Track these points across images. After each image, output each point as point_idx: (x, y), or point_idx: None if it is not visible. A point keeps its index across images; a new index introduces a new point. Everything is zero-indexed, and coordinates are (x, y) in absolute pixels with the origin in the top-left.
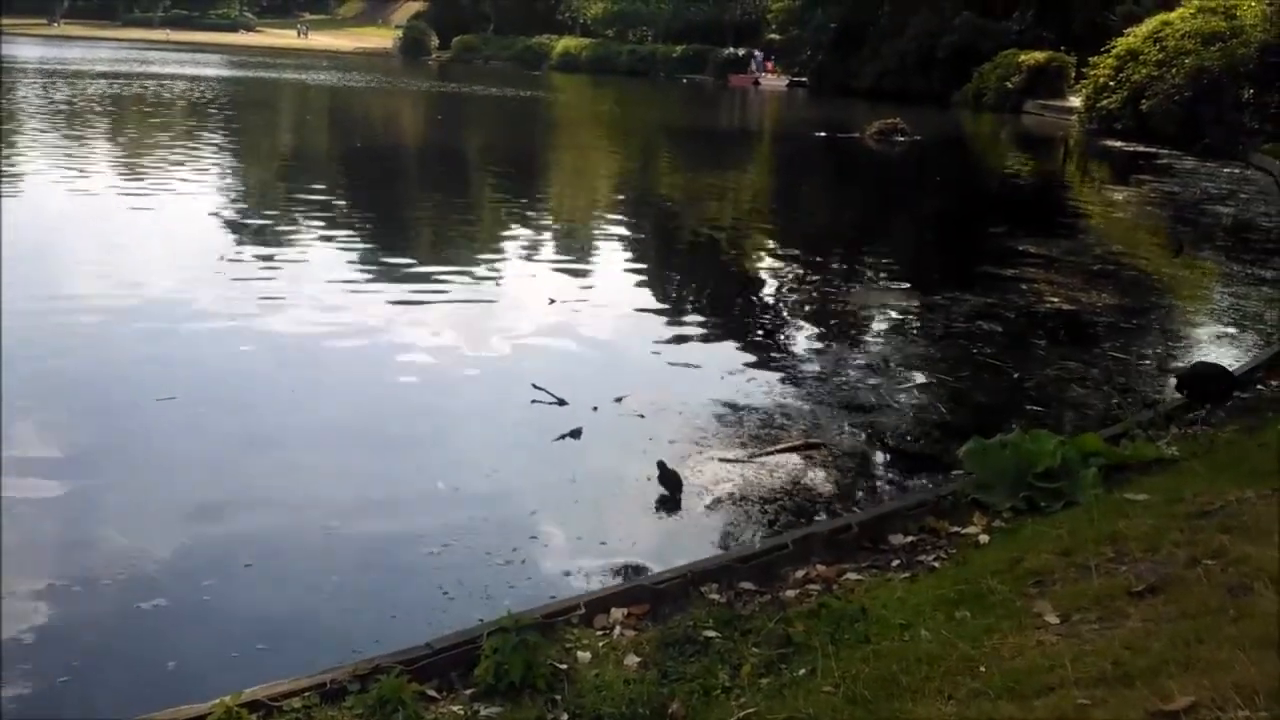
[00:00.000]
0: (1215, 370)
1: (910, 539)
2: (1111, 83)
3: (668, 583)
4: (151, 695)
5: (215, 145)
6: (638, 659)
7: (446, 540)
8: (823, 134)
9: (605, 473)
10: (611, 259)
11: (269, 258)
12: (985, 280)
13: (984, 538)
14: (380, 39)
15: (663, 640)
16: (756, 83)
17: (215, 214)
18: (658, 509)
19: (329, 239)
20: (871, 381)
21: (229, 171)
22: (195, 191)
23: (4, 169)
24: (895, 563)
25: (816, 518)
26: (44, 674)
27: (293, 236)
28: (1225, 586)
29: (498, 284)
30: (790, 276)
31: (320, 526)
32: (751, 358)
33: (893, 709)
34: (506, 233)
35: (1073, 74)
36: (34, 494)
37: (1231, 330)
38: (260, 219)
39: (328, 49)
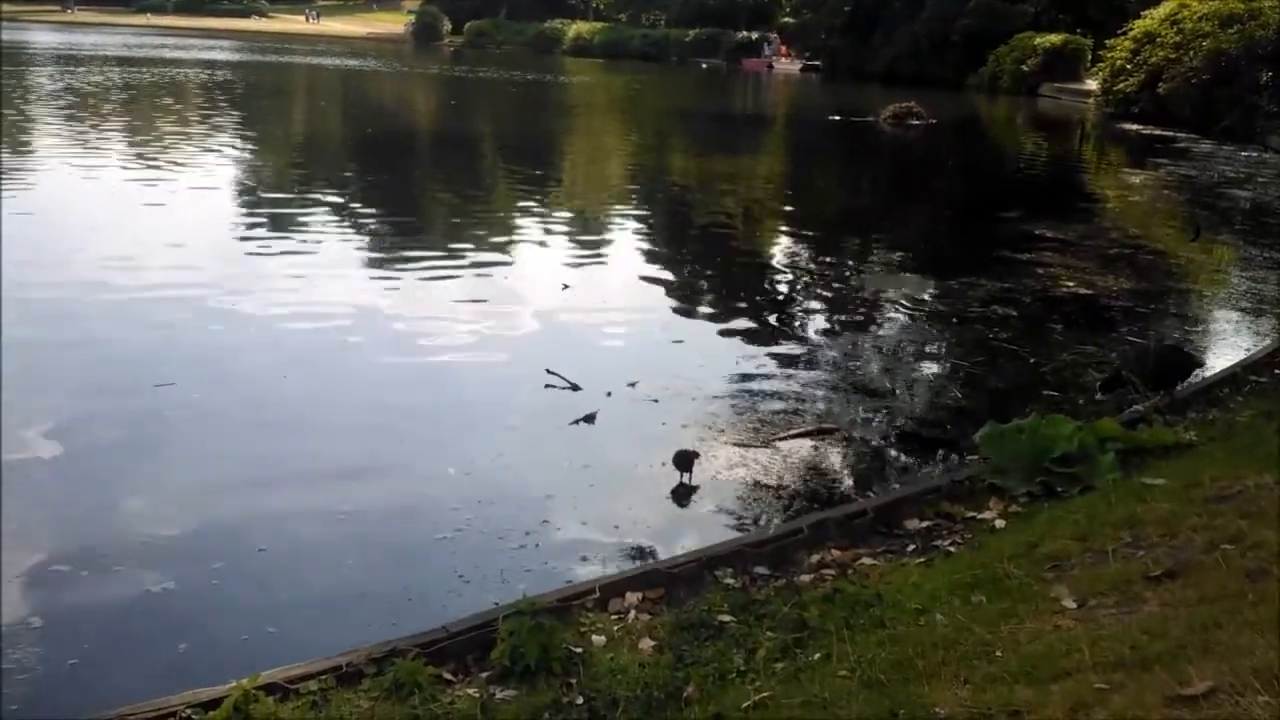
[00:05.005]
0: (1182, 358)
1: (925, 524)
2: (1128, 65)
3: (682, 567)
4: (164, 678)
5: (232, 129)
6: (652, 643)
7: (461, 525)
8: (837, 118)
9: (619, 457)
10: (626, 245)
11: (282, 242)
12: (1001, 264)
13: (1000, 522)
14: (392, 24)
15: (677, 624)
16: (770, 66)
17: (231, 196)
18: (672, 493)
19: (343, 223)
20: (886, 366)
21: (246, 155)
22: (214, 174)
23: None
24: (910, 547)
25: (831, 502)
26: (53, 658)
27: (306, 221)
28: (1244, 571)
29: (512, 269)
30: (804, 261)
31: (334, 510)
32: (765, 342)
33: (908, 693)
34: (521, 218)
35: (1089, 57)
36: (42, 477)
37: (1249, 314)
38: (274, 203)
39: (339, 34)
